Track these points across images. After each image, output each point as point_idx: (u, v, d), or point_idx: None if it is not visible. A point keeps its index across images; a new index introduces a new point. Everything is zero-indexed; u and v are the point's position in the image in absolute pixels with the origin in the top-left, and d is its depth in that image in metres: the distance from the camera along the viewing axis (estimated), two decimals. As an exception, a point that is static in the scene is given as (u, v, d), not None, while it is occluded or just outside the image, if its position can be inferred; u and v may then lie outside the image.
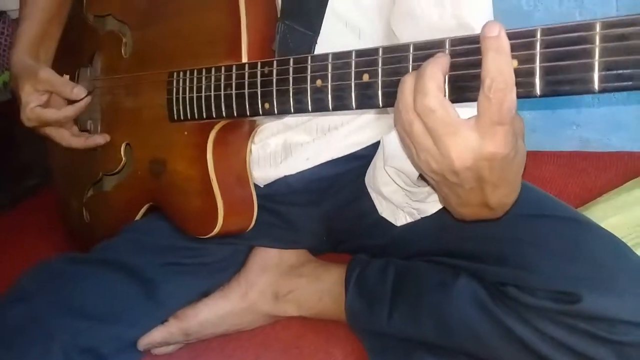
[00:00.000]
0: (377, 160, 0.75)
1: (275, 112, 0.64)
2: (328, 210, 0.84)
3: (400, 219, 0.76)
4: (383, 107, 0.56)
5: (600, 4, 1.07)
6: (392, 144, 0.68)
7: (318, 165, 0.81)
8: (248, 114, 0.67)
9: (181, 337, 0.82)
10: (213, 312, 0.83)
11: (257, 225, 0.78)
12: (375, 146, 0.78)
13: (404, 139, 0.53)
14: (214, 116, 0.70)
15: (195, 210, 0.76)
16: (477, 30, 0.50)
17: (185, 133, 0.75)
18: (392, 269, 0.77)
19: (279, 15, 0.70)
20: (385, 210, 0.78)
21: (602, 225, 0.73)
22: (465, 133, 0.49)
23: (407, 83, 0.50)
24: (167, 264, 0.79)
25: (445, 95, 0.49)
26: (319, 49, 0.71)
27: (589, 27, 0.44)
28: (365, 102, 0.57)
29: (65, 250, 0.97)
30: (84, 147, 0.87)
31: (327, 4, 0.71)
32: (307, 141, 0.81)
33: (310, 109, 0.61)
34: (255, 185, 0.80)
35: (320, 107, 0.60)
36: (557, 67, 0.45)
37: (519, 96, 0.48)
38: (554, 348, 0.61)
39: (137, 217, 0.83)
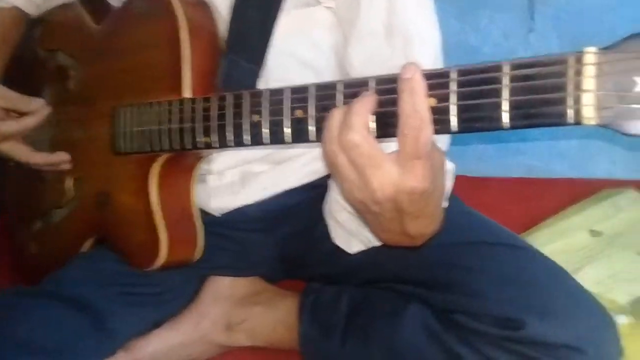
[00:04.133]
0: (332, 190, 0.77)
1: (217, 145, 0.66)
2: (283, 237, 0.86)
3: (353, 246, 0.77)
4: (317, 141, 0.58)
5: (543, 40, 1.12)
6: None
7: (275, 195, 0.83)
8: (190, 147, 0.68)
9: (131, 370, 0.81)
10: (164, 343, 0.83)
11: (210, 253, 0.79)
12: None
13: (330, 170, 0.55)
14: (157, 149, 0.71)
15: (138, 243, 0.76)
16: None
17: (129, 165, 0.76)
18: (346, 297, 0.78)
19: (224, 50, 0.72)
20: (339, 237, 0.79)
21: (544, 251, 0.76)
22: (386, 166, 0.51)
23: (335, 118, 0.52)
24: (116, 294, 0.79)
25: (372, 131, 0.51)
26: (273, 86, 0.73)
27: (498, 68, 0.47)
28: (300, 136, 0.58)
29: (11, 281, 0.96)
30: (45, 163, 0.86)
31: (269, 37, 0.73)
32: (264, 170, 0.82)
33: (250, 143, 0.63)
34: (211, 215, 0.80)
35: (258, 141, 0.62)
36: (470, 105, 0.48)
37: (436, 132, 0.50)
38: None
39: (83, 250, 0.83)
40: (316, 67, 0.78)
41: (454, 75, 0.49)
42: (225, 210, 0.83)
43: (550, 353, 0.60)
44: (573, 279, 0.67)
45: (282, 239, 0.85)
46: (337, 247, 0.78)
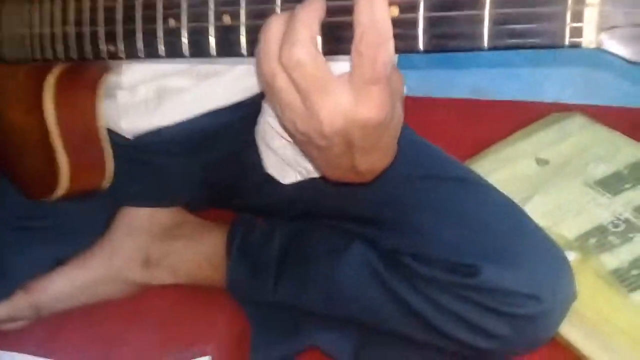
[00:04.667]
0: (267, 112, 0.67)
1: (123, 56, 0.53)
2: (209, 162, 0.75)
3: (288, 177, 0.69)
4: (249, 56, 0.47)
5: None
6: None
7: (199, 115, 0.71)
8: (90, 56, 0.55)
9: (31, 312, 0.72)
10: (70, 282, 0.73)
11: (122, 180, 0.67)
12: None
13: (267, 93, 0.45)
14: (50, 57, 0.58)
15: (33, 169, 0.64)
16: None
17: (20, 76, 0.63)
18: (279, 234, 0.70)
19: None
20: (272, 166, 0.70)
21: (490, 179, 0.70)
22: (337, 92, 0.41)
23: (273, 28, 0.41)
24: (11, 229, 0.68)
25: (318, 47, 0.41)
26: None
27: (481, -29, 0.37)
28: (227, 49, 0.47)
29: None
30: None
31: None
32: (186, 87, 0.70)
33: (164, 54, 0.51)
34: (122, 137, 0.69)
35: (175, 52, 0.50)
36: (443, 18, 0.38)
37: (399, 50, 0.40)
38: (447, 318, 0.59)
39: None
40: None
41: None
42: (139, 132, 0.71)
43: (506, 300, 0.56)
44: (528, 218, 0.62)
45: (207, 165, 0.75)
46: (270, 177, 0.70)
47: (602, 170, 0.88)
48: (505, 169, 0.89)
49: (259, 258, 0.70)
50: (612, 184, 0.86)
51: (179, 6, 0.48)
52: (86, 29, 0.54)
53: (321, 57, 0.41)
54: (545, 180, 0.87)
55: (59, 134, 0.61)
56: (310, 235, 0.68)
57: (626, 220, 0.80)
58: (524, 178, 0.87)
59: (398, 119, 0.47)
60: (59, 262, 0.73)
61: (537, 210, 0.79)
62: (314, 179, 0.66)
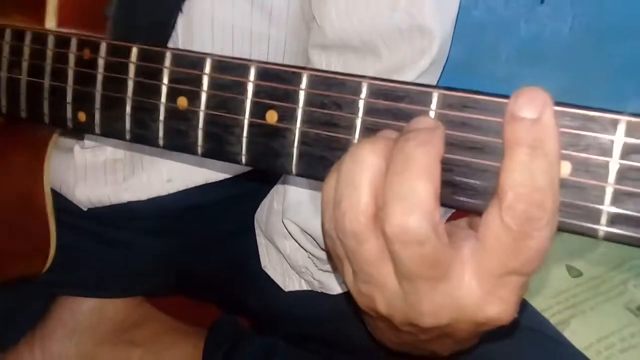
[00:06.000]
0: (275, 200, 0.51)
1: (97, 130, 0.36)
2: (184, 245, 0.58)
3: (291, 284, 0.53)
4: (299, 175, 0.31)
5: (553, 17, 0.88)
6: (296, 195, 0.44)
7: (179, 191, 0.54)
8: (47, 121, 0.38)
9: None
10: None
11: (65, 260, 0.50)
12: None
13: (335, 252, 0.29)
14: (-11, 108, 0.40)
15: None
16: (435, 41, 0.43)
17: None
18: None
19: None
20: (272, 266, 0.54)
21: None
22: (457, 281, 0.26)
23: (368, 164, 0.26)
24: None
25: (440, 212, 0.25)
26: (207, 32, 0.46)
27: None
28: (267, 160, 0.31)
29: None
30: None
31: None
32: (169, 155, 0.52)
33: (161, 143, 0.34)
34: (73, 205, 0.51)
35: (181, 144, 0.33)
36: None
37: (567, 230, 0.25)
38: None
39: None
40: (272, 13, 0.49)
41: (622, 129, 0.24)
42: (99, 205, 0.53)
43: None
44: None
45: (185, 247, 0.57)
46: (265, 276, 0.54)
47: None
48: (536, 277, 0.75)
49: None
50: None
51: (198, 83, 0.32)
52: (45, 83, 0.37)
53: (443, 229, 0.25)
54: (581, 300, 0.74)
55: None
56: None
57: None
58: (558, 293, 0.74)
59: None
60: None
61: (579, 340, 0.67)
62: (323, 294, 0.51)
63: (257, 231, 0.55)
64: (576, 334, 0.68)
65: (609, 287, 0.76)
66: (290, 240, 0.50)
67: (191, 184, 0.53)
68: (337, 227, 0.26)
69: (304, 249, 0.49)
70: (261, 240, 0.54)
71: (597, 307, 0.73)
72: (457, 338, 0.30)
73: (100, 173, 0.52)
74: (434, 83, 0.52)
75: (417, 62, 0.46)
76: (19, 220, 0.47)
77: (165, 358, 0.57)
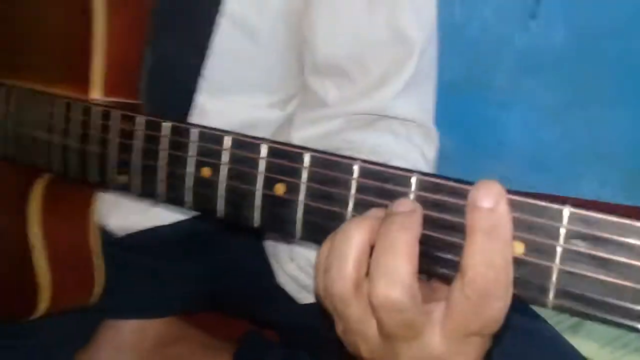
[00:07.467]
0: None
1: (137, 192, 0.42)
2: (212, 266, 0.64)
3: (305, 297, 0.59)
4: (302, 239, 0.36)
5: (545, 30, 0.91)
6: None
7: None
8: (95, 180, 0.44)
9: None
10: None
11: (108, 288, 0.56)
12: None
13: (327, 308, 0.34)
14: (42, 165, 0.47)
15: (10, 284, 0.53)
16: (415, 47, 0.48)
17: (5, 171, 0.51)
18: None
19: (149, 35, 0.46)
20: (286, 283, 0.60)
21: None
22: (428, 338, 0.31)
23: (355, 241, 0.31)
24: None
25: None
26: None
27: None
28: (275, 225, 0.37)
29: None
30: None
31: (217, 16, 0.49)
32: None
33: (188, 206, 0.40)
34: (109, 235, 0.58)
35: (205, 207, 0.39)
36: (587, 279, 0.28)
37: (519, 299, 0.30)
38: None
39: None
40: (259, 35, 0.54)
41: (565, 217, 0.29)
42: (130, 231, 0.60)
43: None
44: None
45: (211, 269, 0.64)
46: (284, 291, 0.60)
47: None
48: None
49: None
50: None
51: (218, 157, 0.38)
52: (93, 149, 0.43)
53: (419, 297, 0.30)
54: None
55: (43, 248, 0.50)
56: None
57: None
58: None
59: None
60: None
61: (592, 342, 0.70)
62: None
63: (268, 255, 0.60)
64: (591, 334, 0.71)
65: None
66: (292, 265, 0.56)
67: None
68: (326, 290, 0.32)
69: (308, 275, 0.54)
70: (272, 261, 0.60)
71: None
72: None
73: (129, 202, 0.58)
74: (430, 98, 0.57)
75: (401, 71, 0.51)
76: (71, 261, 0.53)
77: (199, 369, 0.64)
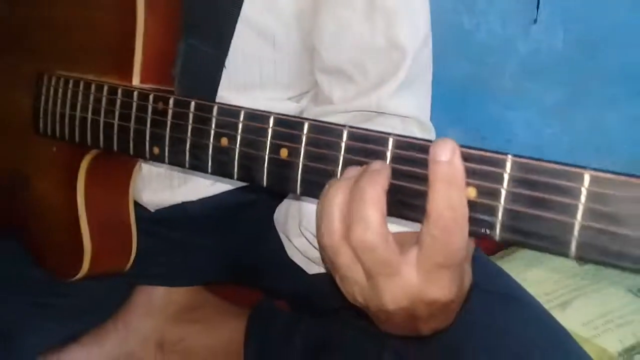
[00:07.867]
0: (292, 207, 0.63)
1: (166, 161, 0.50)
2: (233, 241, 0.72)
3: (313, 269, 0.66)
4: (302, 195, 0.44)
5: (546, 34, 0.97)
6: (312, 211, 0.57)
7: (223, 192, 0.68)
8: (131, 153, 0.52)
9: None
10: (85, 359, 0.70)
11: (141, 258, 0.64)
12: None
13: (325, 262, 0.42)
14: (89, 143, 0.55)
15: (57, 247, 0.61)
16: (408, 52, 0.55)
17: (54, 149, 0.60)
18: (303, 331, 0.66)
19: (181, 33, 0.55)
20: (295, 255, 0.67)
21: (525, 276, 0.66)
22: (405, 274, 0.38)
23: (336, 200, 0.38)
24: (28, 305, 0.64)
25: (387, 227, 0.38)
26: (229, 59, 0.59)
27: (579, 175, 0.33)
28: (280, 184, 0.44)
29: None
30: None
31: (237, 18, 0.56)
32: None
33: (210, 171, 0.48)
34: (144, 208, 0.66)
35: (223, 171, 0.47)
36: (526, 215, 0.35)
37: (473, 235, 0.37)
38: None
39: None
40: (275, 39, 0.62)
41: (508, 167, 0.35)
42: (161, 206, 0.68)
43: None
44: (577, 345, 0.56)
45: (232, 243, 0.72)
46: (294, 263, 0.66)
47: (644, 274, 0.84)
48: (540, 266, 0.85)
49: (278, 357, 0.66)
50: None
51: (234, 128, 0.45)
52: (131, 125, 0.51)
53: (391, 239, 0.37)
54: (584, 284, 0.83)
55: (86, 219, 0.59)
56: (336, 337, 0.64)
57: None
58: (562, 279, 0.83)
59: (465, 290, 0.43)
60: (70, 338, 0.70)
61: (578, 319, 0.76)
62: None
63: (278, 230, 0.67)
64: (576, 312, 0.77)
65: (614, 272, 0.85)
66: (301, 239, 0.62)
67: (231, 187, 0.67)
68: (319, 244, 0.39)
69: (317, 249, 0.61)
70: (282, 237, 0.66)
71: (601, 290, 0.82)
72: (423, 317, 0.41)
73: (161, 179, 0.66)
74: (425, 96, 0.63)
75: (395, 74, 0.58)
76: (110, 230, 0.61)
77: (218, 331, 0.72)
